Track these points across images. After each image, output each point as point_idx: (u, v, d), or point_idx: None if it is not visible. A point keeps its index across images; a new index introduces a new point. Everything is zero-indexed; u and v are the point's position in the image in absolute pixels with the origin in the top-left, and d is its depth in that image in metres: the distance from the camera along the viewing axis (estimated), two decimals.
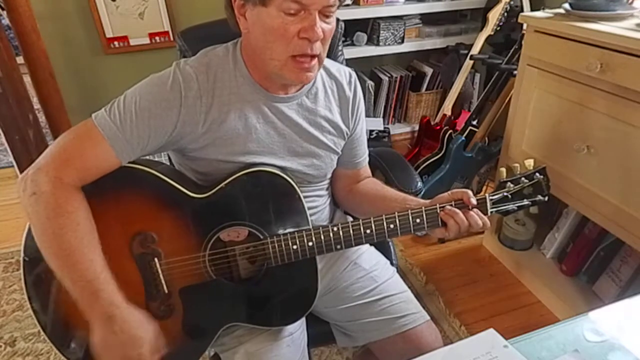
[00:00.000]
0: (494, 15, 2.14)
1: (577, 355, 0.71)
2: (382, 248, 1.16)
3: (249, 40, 0.85)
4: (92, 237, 0.76)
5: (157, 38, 2.22)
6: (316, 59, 0.81)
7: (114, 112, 0.79)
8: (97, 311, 0.73)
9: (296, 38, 0.77)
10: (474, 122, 2.03)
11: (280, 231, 0.86)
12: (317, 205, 1.01)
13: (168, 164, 0.99)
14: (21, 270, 0.81)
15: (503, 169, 0.88)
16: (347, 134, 0.99)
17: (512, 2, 2.13)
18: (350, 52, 2.26)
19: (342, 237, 0.85)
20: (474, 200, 0.84)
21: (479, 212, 0.84)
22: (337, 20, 1.21)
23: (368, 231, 0.85)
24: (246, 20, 0.82)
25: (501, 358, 0.69)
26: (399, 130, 2.62)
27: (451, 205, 0.84)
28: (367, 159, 1.09)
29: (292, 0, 0.74)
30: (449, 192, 0.86)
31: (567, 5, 1.42)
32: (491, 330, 0.73)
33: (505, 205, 0.87)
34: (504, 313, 1.67)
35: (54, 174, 0.75)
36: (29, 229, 0.80)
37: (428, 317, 0.99)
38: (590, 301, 1.60)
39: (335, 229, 0.84)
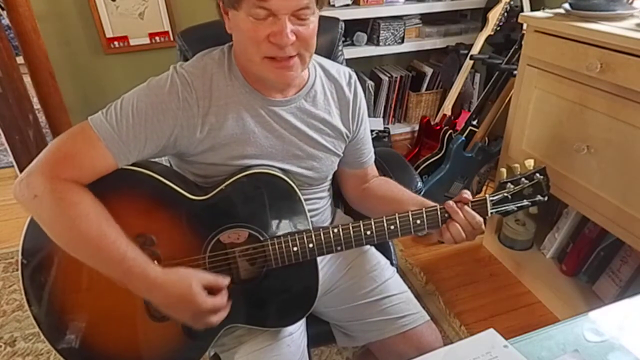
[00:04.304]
0: (494, 15, 2.14)
1: (577, 355, 0.71)
2: (382, 248, 1.16)
3: (233, 41, 0.86)
4: (107, 219, 0.76)
5: (157, 38, 2.22)
6: (296, 58, 0.80)
7: (111, 114, 0.79)
8: (137, 287, 0.75)
9: (266, 41, 0.77)
10: (474, 122, 2.02)
11: (281, 233, 0.86)
12: (318, 207, 1.01)
13: (167, 165, 0.99)
14: (19, 273, 0.81)
15: (503, 170, 0.88)
16: (347, 136, 0.99)
17: (512, 2, 2.13)
18: (350, 52, 2.26)
19: (342, 238, 0.84)
20: (469, 196, 0.86)
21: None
22: (337, 20, 1.21)
23: (368, 232, 0.85)
24: (229, 20, 0.82)
25: (501, 358, 0.69)
26: (399, 130, 2.62)
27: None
28: (373, 157, 1.08)
29: (259, 6, 0.74)
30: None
31: (567, 5, 1.42)
32: (491, 330, 0.73)
33: (505, 206, 0.87)
34: (504, 313, 1.67)
35: (50, 173, 0.74)
36: (27, 231, 0.80)
37: (428, 317, 0.99)
38: (590, 301, 1.60)
39: (335, 230, 0.84)
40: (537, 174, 0.87)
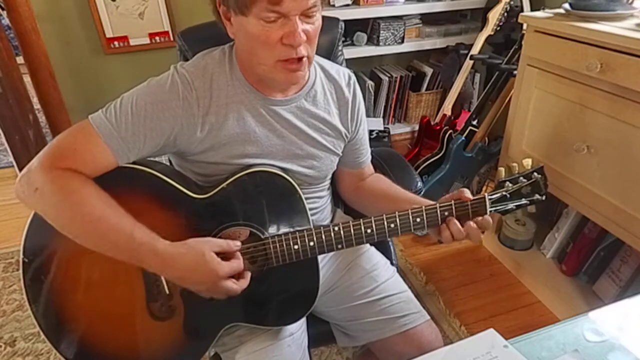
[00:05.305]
0: (494, 15, 2.14)
1: (577, 355, 0.71)
2: (382, 248, 1.16)
3: (237, 45, 0.86)
4: (110, 202, 0.75)
5: (157, 38, 2.22)
6: (305, 58, 0.81)
7: (110, 112, 0.80)
8: (149, 264, 0.75)
9: (279, 44, 0.77)
10: (474, 122, 2.03)
11: (282, 231, 0.86)
12: (317, 206, 1.01)
13: (167, 164, 0.99)
14: (20, 272, 0.81)
15: (502, 169, 0.88)
16: (346, 136, 0.99)
17: (512, 2, 2.13)
18: (350, 52, 2.26)
19: (342, 236, 0.85)
20: (468, 194, 0.85)
21: (480, 218, 0.85)
22: (337, 20, 1.21)
23: (369, 230, 0.85)
24: (232, 25, 0.82)
25: (501, 358, 0.69)
26: (399, 130, 2.62)
27: (451, 206, 0.85)
28: (370, 157, 1.09)
29: (270, 10, 0.74)
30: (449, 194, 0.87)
31: (567, 5, 1.42)
32: (491, 330, 0.73)
33: (503, 205, 0.87)
34: (504, 313, 1.68)
35: (49, 166, 0.74)
36: (28, 230, 0.80)
37: (428, 317, 0.99)
38: (590, 301, 1.60)
39: (336, 228, 0.84)
40: (535, 173, 0.87)
